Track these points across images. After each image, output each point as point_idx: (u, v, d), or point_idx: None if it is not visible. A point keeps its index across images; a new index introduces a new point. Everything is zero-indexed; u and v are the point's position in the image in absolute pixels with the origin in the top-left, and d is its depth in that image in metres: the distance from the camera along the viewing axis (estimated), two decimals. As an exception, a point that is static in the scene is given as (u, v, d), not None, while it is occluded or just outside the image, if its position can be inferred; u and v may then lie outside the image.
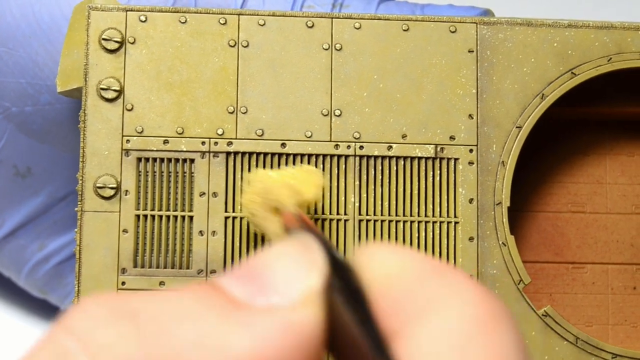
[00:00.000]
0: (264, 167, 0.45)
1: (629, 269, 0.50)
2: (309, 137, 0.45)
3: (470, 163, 0.45)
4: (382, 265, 0.19)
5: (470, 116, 0.45)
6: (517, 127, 0.45)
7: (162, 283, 0.43)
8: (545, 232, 0.51)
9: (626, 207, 0.51)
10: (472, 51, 0.46)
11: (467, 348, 0.18)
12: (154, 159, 0.44)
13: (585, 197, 0.51)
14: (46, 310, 0.57)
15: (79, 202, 0.43)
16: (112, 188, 0.43)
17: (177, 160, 0.44)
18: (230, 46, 0.45)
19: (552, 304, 0.49)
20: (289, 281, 0.19)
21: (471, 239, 0.45)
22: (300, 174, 0.24)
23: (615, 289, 0.50)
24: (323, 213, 0.45)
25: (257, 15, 0.45)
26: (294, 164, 0.45)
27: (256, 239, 0.44)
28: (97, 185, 0.43)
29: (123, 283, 0.43)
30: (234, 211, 0.44)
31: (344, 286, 0.19)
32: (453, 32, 0.46)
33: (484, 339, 0.18)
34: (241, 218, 0.44)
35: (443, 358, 0.17)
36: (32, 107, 0.49)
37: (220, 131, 0.44)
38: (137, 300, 0.18)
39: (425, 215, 0.45)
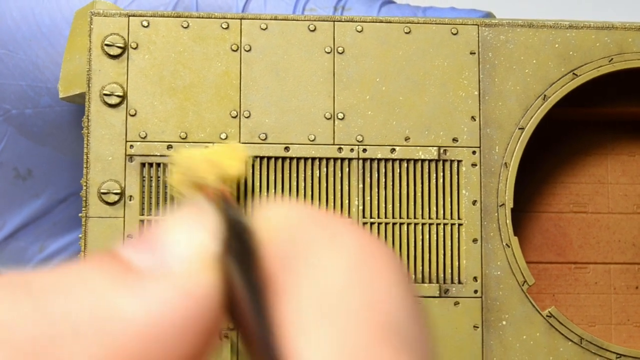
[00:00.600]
0: (268, 171, 0.45)
1: (631, 268, 0.51)
2: (312, 140, 0.45)
3: (473, 165, 0.45)
4: (269, 219, 0.20)
5: (473, 118, 0.46)
6: (519, 128, 0.46)
7: (167, 288, 0.43)
8: (547, 233, 0.51)
9: (628, 207, 0.51)
10: (474, 53, 0.46)
11: (346, 287, 0.18)
12: (158, 164, 0.44)
13: (587, 197, 0.51)
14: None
15: (83, 208, 0.43)
16: (116, 193, 0.44)
17: (180, 165, 0.44)
18: (233, 50, 0.45)
19: (555, 305, 0.49)
20: (185, 247, 0.19)
21: (475, 240, 0.45)
22: (223, 150, 0.24)
23: (618, 288, 0.50)
24: (327, 216, 0.45)
25: (259, 19, 0.45)
26: (297, 167, 0.45)
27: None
28: (101, 190, 0.43)
29: (128, 288, 0.43)
30: (238, 215, 0.44)
31: (238, 248, 0.19)
32: (455, 34, 0.46)
33: (363, 277, 0.18)
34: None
35: (322, 300, 0.18)
36: (33, 109, 0.49)
37: (223, 135, 0.45)
38: (31, 274, 0.18)
39: (429, 217, 0.45)
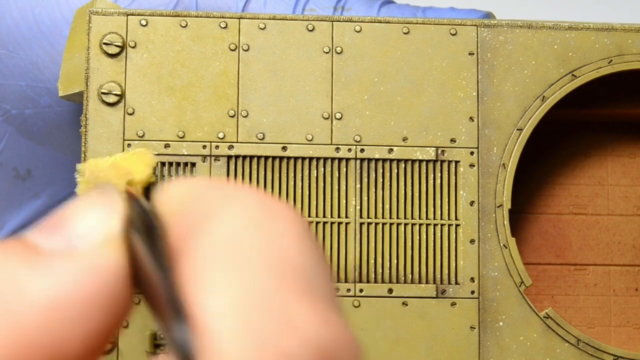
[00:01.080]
0: (265, 171, 0.45)
1: (631, 270, 0.50)
2: (310, 140, 0.45)
3: (471, 165, 0.45)
4: (172, 196, 0.20)
5: (471, 119, 0.45)
6: (517, 129, 0.45)
7: (163, 287, 0.43)
8: (547, 234, 0.51)
9: (628, 209, 0.51)
10: (473, 54, 0.46)
11: (247, 238, 0.18)
12: (155, 163, 0.44)
13: (586, 199, 0.51)
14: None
15: (81, 206, 0.43)
16: (113, 192, 0.44)
17: (178, 164, 0.44)
18: (231, 50, 0.45)
19: (553, 306, 0.49)
20: (90, 226, 0.19)
21: (472, 241, 0.45)
22: (129, 156, 0.24)
23: (617, 290, 0.50)
24: (324, 216, 0.45)
25: (258, 19, 0.45)
26: (295, 167, 0.45)
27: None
28: (99, 189, 0.43)
29: (125, 287, 0.43)
30: (235, 215, 0.44)
31: (142, 225, 0.20)
32: (453, 34, 0.46)
33: (264, 228, 0.18)
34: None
35: (223, 252, 0.18)
36: (32, 109, 0.49)
37: (221, 135, 0.45)
38: None
39: (427, 218, 0.45)
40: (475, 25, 0.46)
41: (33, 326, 0.17)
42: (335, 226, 0.45)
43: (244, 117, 0.45)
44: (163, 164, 0.44)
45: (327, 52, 0.45)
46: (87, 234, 0.19)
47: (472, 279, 0.45)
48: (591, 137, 0.51)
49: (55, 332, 0.17)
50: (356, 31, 0.46)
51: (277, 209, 0.19)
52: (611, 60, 0.46)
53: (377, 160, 0.45)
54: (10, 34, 0.48)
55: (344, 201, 0.45)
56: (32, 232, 0.19)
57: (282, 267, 0.18)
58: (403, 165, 0.45)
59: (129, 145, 0.44)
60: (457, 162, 0.45)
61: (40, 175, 0.51)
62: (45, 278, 0.18)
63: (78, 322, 0.18)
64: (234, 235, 0.18)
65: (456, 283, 0.45)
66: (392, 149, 0.45)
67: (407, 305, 0.44)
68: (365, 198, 0.45)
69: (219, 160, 0.44)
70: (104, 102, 0.44)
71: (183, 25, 0.45)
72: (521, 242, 0.50)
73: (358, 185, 0.45)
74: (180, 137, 0.44)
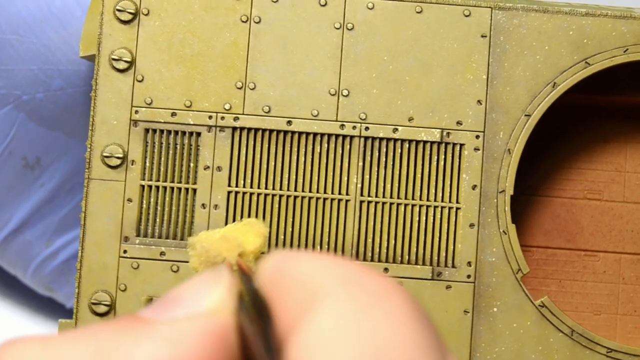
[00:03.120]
0: (269, 144, 0.45)
1: (643, 259, 0.50)
2: (315, 115, 0.45)
3: (476, 149, 0.45)
4: (270, 270, 0.20)
5: (479, 102, 0.45)
6: (525, 115, 0.45)
7: (162, 253, 0.44)
8: (559, 218, 0.50)
9: (644, 197, 0.50)
10: (485, 36, 0.45)
11: (345, 333, 0.18)
12: (162, 131, 0.45)
13: (602, 185, 0.50)
14: (51, 309, 0.58)
15: (86, 170, 0.44)
16: (118, 157, 0.44)
17: (183, 133, 0.45)
18: (243, 21, 0.45)
19: (561, 291, 0.49)
20: (197, 298, 0.20)
21: (472, 225, 0.45)
22: (241, 227, 0.25)
23: (627, 279, 0.50)
24: (325, 192, 0.45)
25: (270, -9, 0.45)
26: (299, 142, 0.45)
27: (257, 214, 0.45)
28: (104, 154, 0.44)
29: (125, 251, 0.44)
30: (237, 186, 0.45)
31: (252, 305, 0.20)
32: (467, 16, 0.45)
33: (363, 322, 0.18)
34: (244, 193, 0.45)
35: (332, 338, 0.18)
36: (44, 93, 0.50)
37: (227, 106, 0.45)
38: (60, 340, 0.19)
39: (427, 200, 0.45)
40: (489, 7, 0.45)
41: None
42: (335, 203, 0.45)
43: (251, 89, 0.45)
44: (169, 132, 0.45)
45: (338, 28, 0.45)
46: (193, 304, 0.20)
47: (469, 263, 0.45)
48: (612, 123, 0.50)
49: None
50: (369, 8, 0.45)
51: (385, 291, 0.19)
52: (627, 49, 0.45)
53: (381, 139, 0.45)
54: (21, 17, 0.49)
55: (346, 178, 0.45)
56: (145, 310, 0.20)
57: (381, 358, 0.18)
58: (407, 145, 0.45)
59: (136, 111, 0.45)
60: (462, 145, 0.45)
61: (48, 163, 0.52)
62: (149, 343, 0.18)
63: None
64: (336, 323, 0.18)
65: (453, 266, 0.45)
66: (397, 129, 0.45)
67: (402, 285, 0.45)
68: (367, 176, 0.45)
69: (223, 131, 0.45)
70: (114, 68, 0.45)
71: (196, -6, 0.45)
72: (532, 224, 0.49)
73: (360, 163, 0.45)
74: (187, 107, 0.45)
